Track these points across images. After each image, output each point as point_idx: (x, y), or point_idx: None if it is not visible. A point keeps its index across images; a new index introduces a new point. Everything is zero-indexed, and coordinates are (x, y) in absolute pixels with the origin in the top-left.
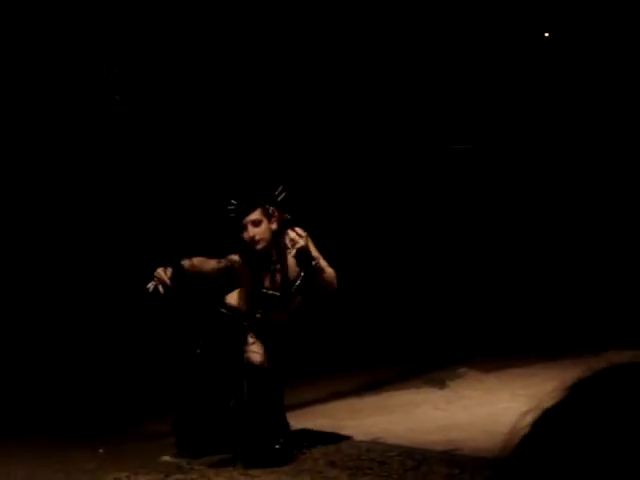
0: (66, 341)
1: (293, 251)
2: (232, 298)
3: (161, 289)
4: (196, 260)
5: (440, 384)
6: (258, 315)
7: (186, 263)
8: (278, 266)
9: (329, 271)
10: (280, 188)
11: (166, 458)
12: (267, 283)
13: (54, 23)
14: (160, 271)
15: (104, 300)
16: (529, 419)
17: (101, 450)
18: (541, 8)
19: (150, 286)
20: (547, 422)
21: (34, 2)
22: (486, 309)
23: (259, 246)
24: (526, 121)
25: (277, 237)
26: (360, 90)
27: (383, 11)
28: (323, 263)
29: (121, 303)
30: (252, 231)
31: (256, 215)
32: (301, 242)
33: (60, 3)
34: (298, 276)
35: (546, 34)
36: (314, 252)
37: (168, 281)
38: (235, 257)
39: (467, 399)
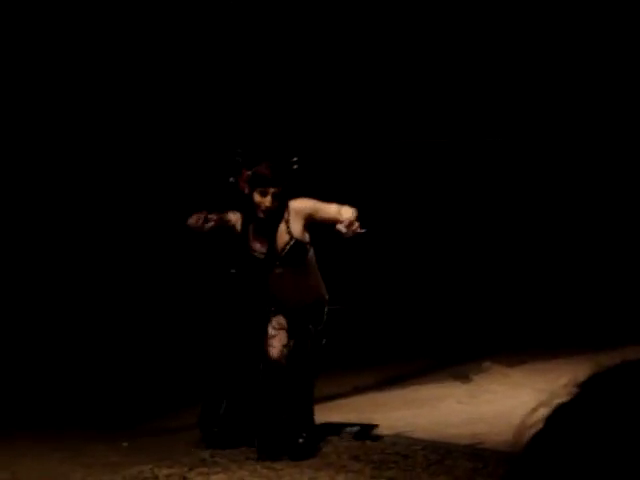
0: (86, 336)
1: (294, 222)
2: None
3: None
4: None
5: (464, 378)
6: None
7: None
8: (271, 234)
9: (328, 212)
10: (295, 158)
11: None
12: (254, 245)
13: (51, 20)
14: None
15: (119, 297)
16: (539, 415)
17: (125, 444)
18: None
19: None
20: (560, 418)
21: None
22: (511, 304)
23: (261, 215)
24: (518, 116)
25: (281, 205)
26: (347, 86)
27: (370, 7)
28: (334, 210)
29: (135, 300)
30: (269, 201)
31: (274, 190)
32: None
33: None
34: (287, 244)
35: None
36: (324, 212)
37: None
38: (234, 215)
39: (491, 393)
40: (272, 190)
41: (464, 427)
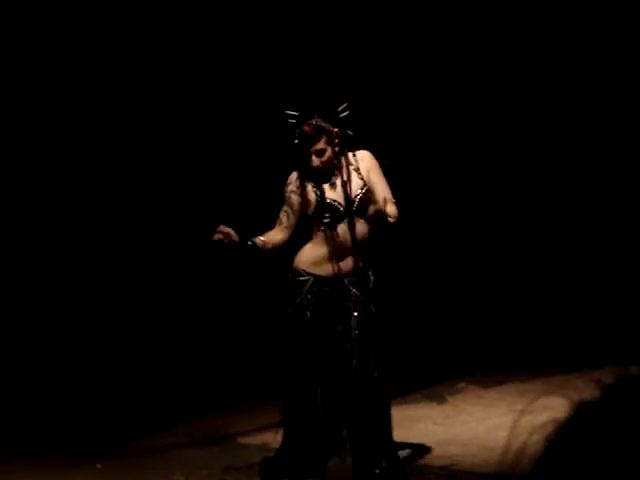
0: (60, 353)
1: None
2: (299, 256)
3: (232, 237)
4: (266, 235)
5: (439, 399)
6: (322, 231)
7: (258, 240)
8: (338, 180)
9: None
10: (344, 105)
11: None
12: (329, 194)
13: (52, 20)
14: (223, 227)
15: (102, 309)
16: (524, 436)
17: (99, 465)
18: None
19: (216, 237)
20: (565, 437)
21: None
22: (486, 324)
23: (322, 173)
24: (523, 133)
25: (339, 156)
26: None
27: (382, 21)
28: (383, 191)
29: (119, 313)
30: (316, 161)
31: (321, 145)
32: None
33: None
34: (362, 189)
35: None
36: (377, 181)
37: (235, 236)
38: (293, 177)
39: (466, 414)
40: (313, 150)
41: (439, 448)
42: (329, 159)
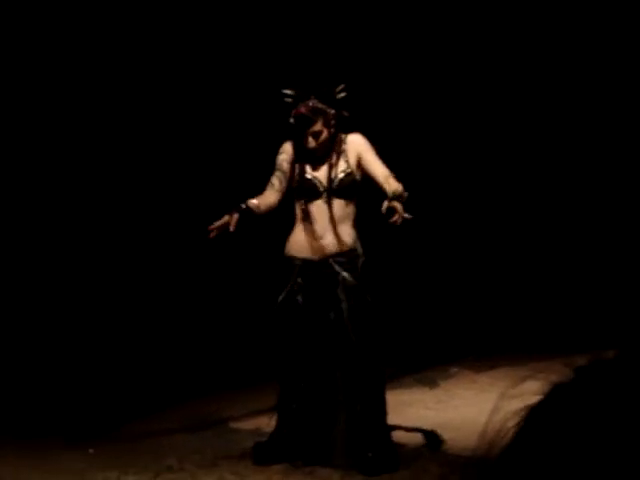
0: (52, 339)
1: (349, 156)
2: (288, 242)
3: (232, 227)
4: (259, 198)
5: (432, 384)
6: (302, 208)
7: (250, 204)
8: (327, 161)
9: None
10: (341, 86)
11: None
12: (311, 172)
13: (43, 16)
14: (226, 217)
15: (91, 297)
16: (508, 417)
17: (91, 450)
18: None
19: (213, 228)
20: (535, 421)
21: None
22: (479, 308)
23: (318, 154)
24: (518, 118)
25: (333, 137)
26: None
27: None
28: (382, 172)
29: (109, 300)
30: (312, 142)
31: (317, 126)
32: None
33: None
34: (344, 171)
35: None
36: (373, 162)
37: (232, 227)
38: (288, 146)
39: (459, 399)
40: (310, 132)
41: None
42: (325, 141)
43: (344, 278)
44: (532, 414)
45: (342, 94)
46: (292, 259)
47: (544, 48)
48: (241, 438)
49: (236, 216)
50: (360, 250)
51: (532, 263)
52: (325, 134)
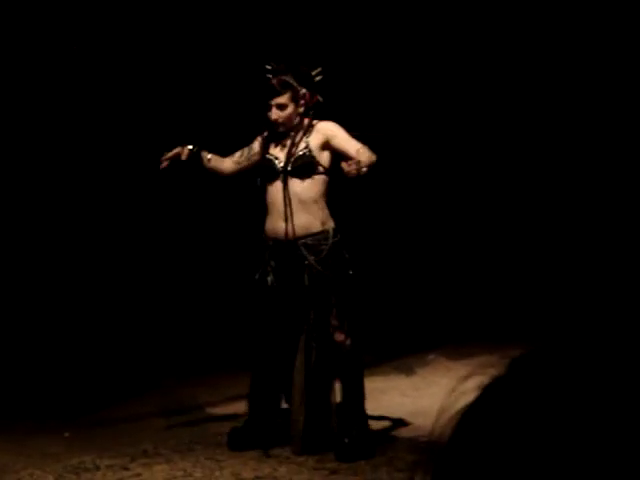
0: (28, 323)
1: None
2: (264, 225)
3: (185, 152)
4: (215, 156)
5: (408, 371)
6: (265, 187)
7: (205, 154)
8: (289, 142)
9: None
10: (318, 70)
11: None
12: (272, 150)
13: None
14: (178, 148)
15: (68, 282)
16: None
17: (67, 434)
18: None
19: (164, 159)
20: (487, 399)
21: None
22: (457, 296)
23: (280, 129)
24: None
25: (301, 119)
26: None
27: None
28: (354, 146)
29: (87, 285)
30: (275, 113)
31: (283, 99)
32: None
33: None
34: (302, 150)
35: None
36: (344, 141)
37: (184, 157)
38: (264, 133)
39: (435, 386)
40: (275, 102)
41: (408, 420)
42: (289, 116)
43: (310, 264)
44: (468, 413)
45: (318, 77)
46: (265, 240)
47: (543, 46)
48: (217, 423)
49: (187, 149)
50: (331, 232)
51: (511, 252)
52: (290, 109)
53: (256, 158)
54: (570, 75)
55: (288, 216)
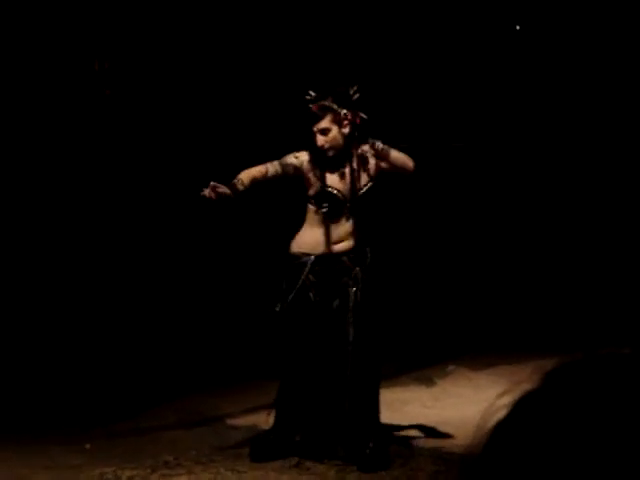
0: (49, 335)
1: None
2: (297, 241)
3: (214, 195)
4: (249, 171)
5: (429, 382)
6: (323, 209)
7: (241, 177)
8: (347, 169)
9: (398, 155)
10: (355, 88)
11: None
12: (331, 182)
13: (44, 18)
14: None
15: (87, 294)
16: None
17: (88, 446)
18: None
19: (206, 193)
20: (521, 412)
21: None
22: (477, 306)
23: (329, 154)
24: (513, 118)
25: (350, 140)
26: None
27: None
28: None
29: (105, 296)
30: (320, 139)
31: (325, 123)
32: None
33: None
34: (366, 184)
35: (517, 27)
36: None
37: (224, 190)
38: (304, 155)
39: (456, 397)
40: (317, 128)
41: (428, 430)
42: (334, 140)
43: (355, 271)
44: (517, 406)
45: (356, 95)
46: (302, 256)
47: (545, 47)
48: (238, 434)
49: (225, 192)
50: (370, 246)
51: (530, 261)
52: (334, 132)
53: (279, 176)
54: (571, 76)
55: (341, 236)
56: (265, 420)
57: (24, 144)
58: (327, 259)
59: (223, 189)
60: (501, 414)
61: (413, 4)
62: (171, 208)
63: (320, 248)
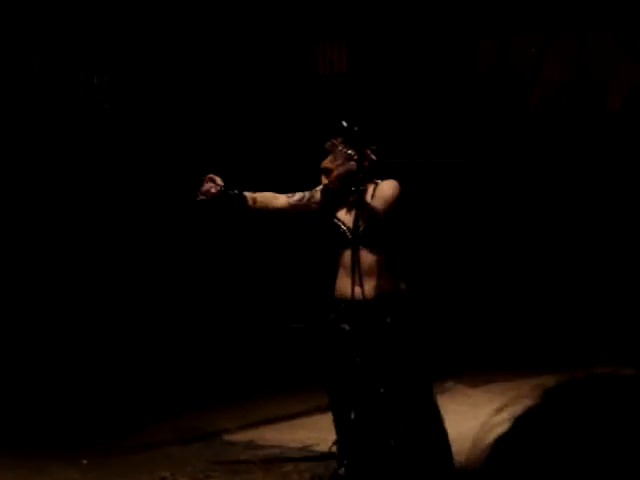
0: (48, 351)
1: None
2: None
3: (213, 190)
4: (263, 195)
5: None
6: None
7: (251, 196)
8: (354, 207)
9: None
10: (355, 128)
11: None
12: (340, 214)
13: (45, 32)
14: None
15: (88, 309)
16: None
17: (85, 461)
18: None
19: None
20: (522, 429)
21: (25, 12)
22: (475, 323)
23: (336, 190)
24: (512, 132)
25: (357, 177)
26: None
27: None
28: None
29: (105, 311)
30: (324, 179)
31: (326, 163)
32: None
33: (50, 12)
34: (372, 220)
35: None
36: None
37: (219, 185)
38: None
39: (453, 414)
40: (323, 165)
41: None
42: (335, 179)
43: (386, 322)
44: (515, 425)
45: (355, 128)
46: (335, 302)
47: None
48: (234, 450)
49: (219, 186)
50: (404, 293)
51: (529, 279)
52: (335, 173)
53: (315, 207)
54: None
55: (356, 280)
56: (260, 436)
57: (24, 155)
58: (357, 305)
59: (219, 182)
60: (498, 431)
61: (416, 19)
62: (167, 222)
63: (347, 294)
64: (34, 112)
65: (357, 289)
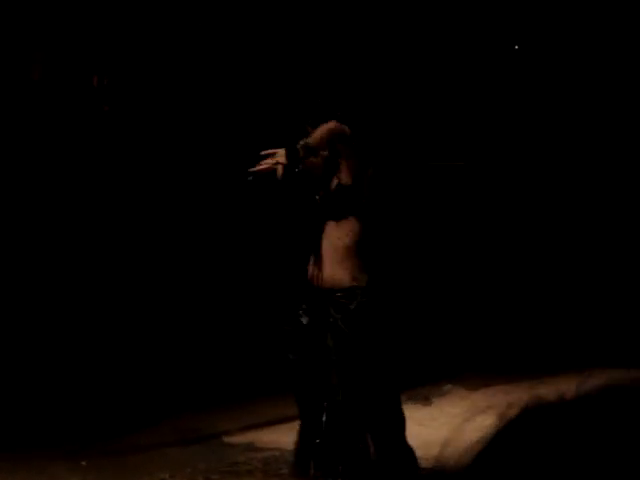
0: (47, 353)
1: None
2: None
3: (280, 170)
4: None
5: (425, 401)
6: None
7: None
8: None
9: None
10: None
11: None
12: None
13: (45, 34)
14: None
15: (86, 309)
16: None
17: (84, 463)
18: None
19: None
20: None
21: (25, 13)
22: (473, 326)
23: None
24: (510, 134)
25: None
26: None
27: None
28: None
29: (103, 312)
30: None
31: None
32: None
33: (50, 14)
34: (334, 189)
35: (516, 47)
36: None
37: (284, 159)
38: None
39: (451, 416)
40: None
41: (424, 449)
42: (314, 167)
43: (335, 322)
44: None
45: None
46: (307, 284)
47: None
48: (234, 452)
49: (281, 166)
50: (361, 290)
51: (527, 283)
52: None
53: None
54: (572, 77)
55: (323, 267)
56: (260, 437)
57: (24, 157)
58: (316, 292)
59: (265, 166)
60: (474, 434)
61: (416, 23)
62: (167, 223)
63: (312, 279)
64: (34, 114)
65: (317, 273)
